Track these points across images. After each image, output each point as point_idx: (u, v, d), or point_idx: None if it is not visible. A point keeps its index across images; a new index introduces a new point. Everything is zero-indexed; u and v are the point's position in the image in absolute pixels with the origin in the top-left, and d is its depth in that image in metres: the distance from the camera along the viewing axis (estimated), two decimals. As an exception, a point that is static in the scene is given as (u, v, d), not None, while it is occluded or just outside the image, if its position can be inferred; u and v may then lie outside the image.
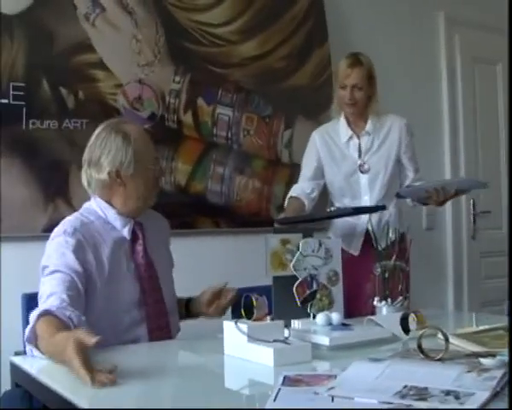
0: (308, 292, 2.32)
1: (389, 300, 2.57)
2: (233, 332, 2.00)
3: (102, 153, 2.29)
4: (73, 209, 3.03)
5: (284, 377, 1.69)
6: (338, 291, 2.41)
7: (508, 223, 4.73)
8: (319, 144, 3.38)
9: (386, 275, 2.59)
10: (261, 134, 3.68)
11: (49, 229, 3.02)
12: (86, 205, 2.43)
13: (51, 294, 2.09)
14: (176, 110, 3.44)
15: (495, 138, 4.85)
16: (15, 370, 2.04)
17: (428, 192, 3.18)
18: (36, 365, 1.98)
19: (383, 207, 3.03)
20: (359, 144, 3.35)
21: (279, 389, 1.59)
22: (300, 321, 2.24)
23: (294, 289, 2.30)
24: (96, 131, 2.35)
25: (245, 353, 1.96)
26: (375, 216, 3.22)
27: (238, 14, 3.65)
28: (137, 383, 1.76)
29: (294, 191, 3.35)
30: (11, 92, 3.03)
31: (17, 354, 2.18)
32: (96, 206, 2.37)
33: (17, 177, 3.05)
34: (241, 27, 3.65)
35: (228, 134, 3.59)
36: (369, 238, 3.06)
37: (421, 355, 1.84)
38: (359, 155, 3.34)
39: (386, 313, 2.52)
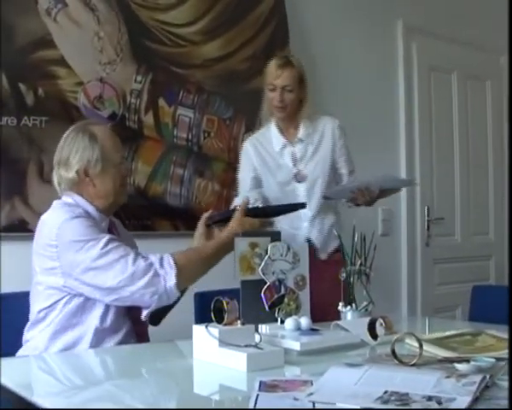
0: (276, 296, 2.29)
1: (354, 305, 2.57)
2: (203, 336, 1.97)
3: (71, 152, 2.37)
4: (31, 209, 2.98)
5: (260, 383, 1.66)
6: (305, 296, 2.40)
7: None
8: (253, 155, 3.29)
9: (351, 280, 2.60)
10: (222, 136, 3.65)
11: (6, 229, 2.96)
12: (59, 202, 2.43)
13: (135, 254, 2.30)
14: (137, 110, 3.38)
15: (449, 145, 4.91)
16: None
17: (353, 192, 3.15)
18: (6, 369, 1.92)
19: (302, 206, 2.91)
20: (293, 152, 3.27)
21: (257, 394, 1.56)
22: (268, 326, 2.22)
23: (262, 293, 2.27)
24: (65, 133, 2.43)
25: (216, 357, 1.93)
26: (316, 225, 3.25)
27: (201, 15, 3.61)
28: (102, 387, 1.71)
29: (237, 203, 3.09)
30: (-32, 87, 2.94)
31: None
32: (75, 202, 2.40)
33: (-28, 174, 2.96)
34: (203, 28, 3.61)
35: (188, 136, 3.55)
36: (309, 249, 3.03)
37: (395, 361, 1.84)
38: (294, 164, 3.27)
39: (351, 318, 2.52)
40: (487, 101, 5.17)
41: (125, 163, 2.51)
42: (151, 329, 2.56)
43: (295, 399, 1.51)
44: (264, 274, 2.28)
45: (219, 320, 1.99)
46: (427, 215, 4.73)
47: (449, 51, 4.85)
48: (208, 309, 2.53)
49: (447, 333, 2.26)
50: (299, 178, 3.25)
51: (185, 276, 2.34)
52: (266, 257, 2.28)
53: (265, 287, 2.27)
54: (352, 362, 1.79)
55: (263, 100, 3.36)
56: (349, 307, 2.56)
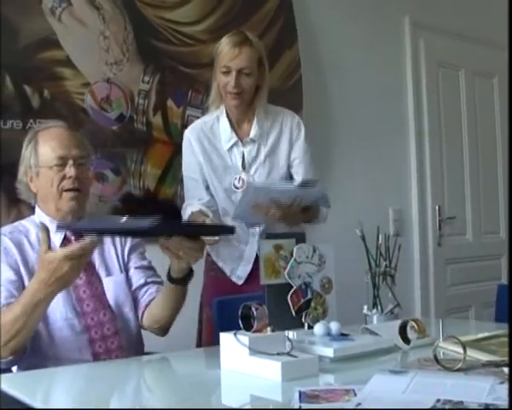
0: (303, 301, 2.19)
1: (379, 308, 2.47)
2: (231, 345, 1.86)
3: (21, 163, 2.33)
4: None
5: (300, 393, 1.56)
6: (332, 299, 2.29)
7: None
8: (198, 151, 2.83)
9: (377, 282, 2.50)
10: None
11: (11, 235, 2.84)
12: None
13: None
14: (145, 111, 3.28)
15: (459, 142, 4.81)
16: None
17: (255, 207, 2.61)
18: (17, 384, 1.81)
19: (230, 231, 2.15)
20: (243, 154, 2.85)
21: (300, 406, 1.46)
22: (296, 332, 2.12)
23: (289, 297, 2.17)
24: None
25: (245, 366, 1.82)
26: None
27: (207, 13, 3.52)
28: (128, 398, 1.61)
29: (193, 205, 2.76)
30: (-29, 90, 2.83)
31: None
32: (36, 215, 2.34)
33: (-24, 180, 2.85)
34: (210, 26, 3.51)
35: (198, 136, 3.44)
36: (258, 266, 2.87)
37: (438, 366, 1.74)
38: (243, 168, 2.84)
39: (377, 322, 2.42)
40: (495, 97, 5.08)
41: (64, 166, 2.24)
42: (157, 339, 2.43)
43: (341, 410, 1.41)
44: (289, 278, 2.17)
45: (247, 327, 1.88)
46: (439, 215, 4.62)
47: (456, 47, 4.76)
48: (228, 316, 2.45)
49: (480, 335, 2.16)
50: (237, 185, 2.83)
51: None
52: (292, 260, 2.18)
53: (292, 291, 2.17)
54: (395, 369, 1.69)
55: (211, 85, 2.90)
56: (375, 311, 2.46)
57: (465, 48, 4.80)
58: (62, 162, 2.23)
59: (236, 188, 2.83)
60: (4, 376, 1.89)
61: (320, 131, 3.91)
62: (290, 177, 2.90)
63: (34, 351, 2.10)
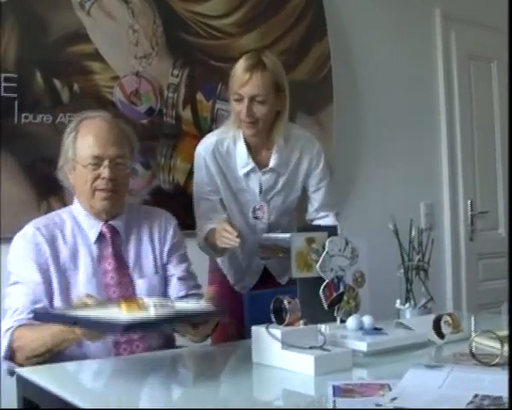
0: (335, 294, 2.16)
1: (412, 302, 2.43)
2: (263, 338, 1.84)
3: (62, 149, 2.28)
4: (67, 208, 2.87)
5: (334, 388, 1.53)
6: (364, 293, 2.26)
7: (508, 223, 4.63)
8: (214, 172, 2.67)
9: (409, 276, 2.46)
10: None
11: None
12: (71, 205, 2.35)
13: (18, 308, 2.09)
14: (174, 105, 3.26)
15: (491, 135, 4.74)
16: (24, 383, 1.85)
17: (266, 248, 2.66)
18: (47, 376, 1.80)
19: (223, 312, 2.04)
20: (261, 182, 2.69)
21: (334, 400, 1.44)
22: (328, 325, 2.09)
23: (321, 291, 2.14)
24: None
25: (278, 360, 1.80)
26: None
27: (236, 7, 3.48)
28: (158, 392, 1.59)
29: (212, 221, 2.61)
30: (2, 84, 2.82)
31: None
32: (73, 205, 2.32)
33: (8, 174, 2.85)
34: (239, 20, 3.48)
35: (227, 131, 3.41)
36: (265, 275, 2.83)
37: (474, 361, 1.71)
38: (260, 193, 2.70)
39: (410, 316, 2.38)
40: (528, 90, 4.99)
41: (98, 167, 2.18)
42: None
43: (377, 405, 1.38)
44: (322, 271, 2.15)
45: (279, 321, 1.86)
46: (471, 209, 4.56)
47: (488, 39, 4.68)
48: (260, 310, 2.42)
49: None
50: (256, 215, 2.72)
51: (16, 354, 2.05)
52: (324, 253, 2.15)
53: (324, 284, 2.15)
54: (430, 364, 1.66)
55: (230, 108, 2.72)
56: (407, 305, 2.42)
57: (497, 40, 4.71)
58: (97, 162, 2.18)
59: (256, 218, 2.72)
60: (31, 368, 1.90)
61: (350, 123, 3.88)
62: (304, 198, 2.82)
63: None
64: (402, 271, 2.45)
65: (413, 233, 2.49)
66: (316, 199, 2.78)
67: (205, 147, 2.70)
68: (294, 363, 1.76)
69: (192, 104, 3.31)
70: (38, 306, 2.08)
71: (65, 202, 2.90)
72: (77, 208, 2.27)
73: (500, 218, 4.77)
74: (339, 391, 1.51)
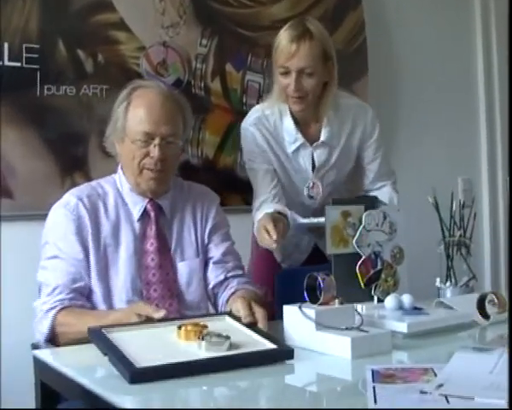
0: (372, 272, 2.04)
1: (454, 280, 2.30)
2: (296, 318, 1.73)
3: (112, 116, 2.15)
4: (93, 185, 2.77)
5: (373, 372, 1.41)
6: (403, 271, 2.14)
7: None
8: (266, 147, 2.52)
9: (450, 252, 2.33)
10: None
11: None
12: (113, 175, 2.22)
13: (58, 286, 1.96)
14: (203, 76, 3.13)
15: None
16: (41, 366, 1.75)
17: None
18: (64, 359, 1.71)
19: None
20: (313, 157, 2.53)
21: (373, 386, 1.31)
22: (365, 305, 1.96)
23: (357, 268, 2.02)
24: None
25: (311, 342, 1.68)
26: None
27: (267, -27, 3.34)
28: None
29: (268, 206, 2.42)
30: (24, 55, 2.72)
31: (35, 346, 1.92)
32: (117, 176, 2.18)
33: (30, 148, 2.74)
34: (270, -13, 3.34)
35: (258, 102, 3.27)
36: (315, 254, 2.67)
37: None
38: (312, 170, 2.54)
39: (451, 295, 2.25)
40: None
41: (148, 144, 2.04)
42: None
43: (422, 392, 1.26)
44: (358, 247, 2.02)
45: (313, 300, 1.74)
46: (510, 186, 4.38)
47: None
48: (290, 288, 2.31)
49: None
50: (311, 193, 2.56)
51: (59, 338, 1.93)
52: (361, 227, 2.03)
53: (361, 261, 2.02)
54: (478, 346, 1.53)
55: (272, 81, 2.56)
56: (448, 283, 2.29)
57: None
58: (147, 139, 2.04)
59: (311, 197, 2.56)
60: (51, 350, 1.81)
61: (385, 95, 3.72)
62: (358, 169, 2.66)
63: None
64: (442, 247, 2.32)
65: (454, 207, 2.35)
66: (371, 170, 2.62)
67: (250, 122, 2.54)
68: (329, 345, 1.64)
69: (221, 75, 3.18)
70: (79, 285, 1.98)
71: (90, 178, 2.82)
72: (121, 180, 2.15)
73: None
74: (378, 376, 1.39)
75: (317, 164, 2.53)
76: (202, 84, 3.13)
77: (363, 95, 3.53)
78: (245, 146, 2.58)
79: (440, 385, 1.28)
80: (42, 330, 1.92)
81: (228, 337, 1.61)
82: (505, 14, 4.27)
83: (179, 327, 1.67)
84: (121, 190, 2.14)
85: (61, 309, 1.91)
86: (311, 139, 2.52)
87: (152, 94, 2.09)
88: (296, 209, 2.48)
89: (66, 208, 2.05)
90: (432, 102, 3.98)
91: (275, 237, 2.15)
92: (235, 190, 3.21)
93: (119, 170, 2.17)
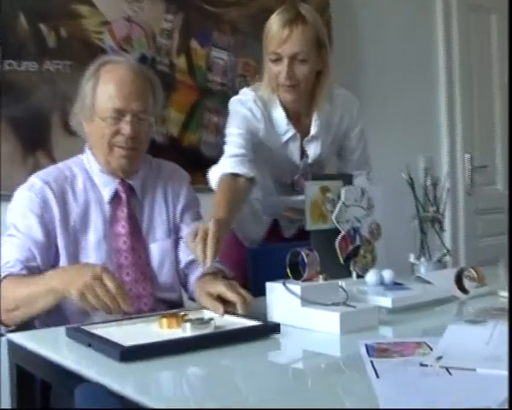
0: (351, 248, 2.02)
1: (428, 255, 2.30)
2: (279, 295, 1.70)
3: (79, 94, 2.04)
4: (55, 163, 2.68)
5: (367, 347, 1.39)
6: (380, 246, 2.12)
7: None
8: (262, 127, 2.36)
9: (424, 228, 2.33)
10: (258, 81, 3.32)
11: (29, 185, 2.67)
12: (80, 155, 2.12)
13: (7, 262, 1.88)
14: (168, 52, 3.07)
15: (489, 89, 4.60)
16: (15, 349, 1.68)
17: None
18: (40, 341, 1.64)
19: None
20: (302, 150, 2.42)
21: (371, 361, 1.29)
22: (345, 281, 1.94)
23: (337, 244, 1.99)
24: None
25: (297, 319, 1.65)
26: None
27: None
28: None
29: (227, 166, 2.27)
30: (-17, 29, 2.63)
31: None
32: (85, 157, 2.09)
33: (-9, 127, 2.66)
34: (235, -38, 3.29)
35: (223, 80, 3.24)
36: (273, 228, 2.61)
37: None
38: (300, 161, 2.44)
39: (425, 271, 2.25)
40: (527, 42, 4.85)
41: (117, 121, 1.95)
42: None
43: (422, 365, 1.24)
44: (338, 222, 2.00)
45: (296, 276, 1.71)
46: (470, 163, 4.42)
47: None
48: (262, 265, 2.28)
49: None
50: (297, 188, 2.46)
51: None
52: (340, 203, 2.00)
53: (340, 237, 2.00)
54: (470, 319, 1.53)
55: (261, 70, 2.40)
56: (423, 259, 2.29)
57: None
58: (118, 116, 1.95)
59: (297, 192, 2.44)
60: (25, 333, 1.74)
61: (349, 72, 3.70)
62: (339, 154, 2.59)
63: (58, 313, 1.88)
64: (416, 222, 2.32)
65: (427, 183, 2.35)
66: (351, 160, 2.55)
67: (247, 97, 2.37)
68: (316, 321, 1.61)
69: (186, 52, 3.12)
70: (32, 264, 1.89)
71: (53, 158, 2.75)
72: (90, 161, 2.06)
73: (498, 173, 4.65)
74: (373, 351, 1.37)
75: (310, 158, 2.43)
76: (167, 61, 3.07)
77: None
78: (230, 121, 2.39)
79: (439, 358, 1.26)
80: None
81: (212, 319, 1.58)
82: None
83: (162, 317, 1.62)
84: (90, 172, 2.05)
85: (6, 276, 1.83)
86: (301, 131, 2.41)
87: (121, 69, 2.00)
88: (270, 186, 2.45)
89: (30, 191, 1.97)
90: (394, 81, 4.00)
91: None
92: (200, 168, 3.12)
93: (87, 150, 2.08)
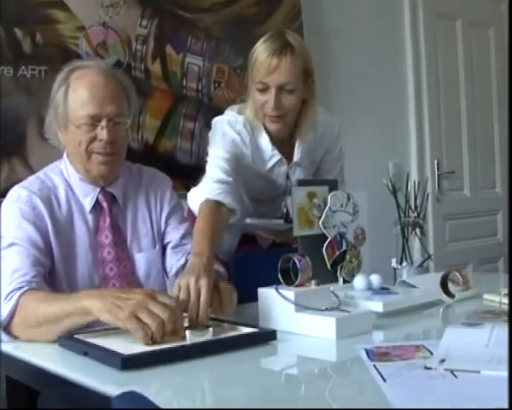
0: (338, 253, 2.02)
1: (410, 260, 2.32)
2: (272, 301, 1.70)
3: (51, 103, 1.98)
4: (31, 170, 2.64)
5: (367, 351, 1.40)
6: (364, 251, 2.13)
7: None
8: (245, 151, 2.32)
9: (406, 233, 2.35)
10: (233, 86, 3.33)
11: (4, 194, 2.61)
12: (57, 162, 2.06)
13: (17, 269, 1.76)
14: (143, 58, 3.05)
15: (456, 95, 4.65)
16: (8, 361, 1.65)
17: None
18: (32, 351, 1.61)
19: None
20: (287, 175, 2.39)
21: (374, 365, 1.30)
22: (332, 286, 1.94)
23: (324, 249, 2.00)
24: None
25: (291, 325, 1.65)
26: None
27: (205, -46, 3.28)
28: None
29: (212, 192, 2.15)
30: (-43, 33, 2.59)
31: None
32: (63, 165, 2.02)
33: (-36, 133, 2.61)
34: (209, -32, 3.29)
35: (198, 86, 3.23)
36: (247, 238, 2.58)
37: (503, 317, 1.60)
38: (285, 188, 2.41)
39: (407, 275, 2.27)
40: (491, 49, 4.93)
41: (94, 127, 1.89)
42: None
43: (426, 368, 1.25)
44: (325, 228, 2.00)
45: (288, 282, 1.71)
46: (437, 169, 4.48)
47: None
48: (246, 273, 2.27)
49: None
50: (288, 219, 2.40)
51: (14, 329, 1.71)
52: (327, 208, 2.01)
53: (327, 242, 2.00)
54: (466, 322, 1.55)
55: (247, 96, 2.34)
56: (405, 264, 2.31)
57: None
58: (93, 122, 1.89)
59: (287, 221, 2.38)
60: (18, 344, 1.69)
61: (320, 78, 3.68)
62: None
63: None
64: (398, 227, 2.34)
65: (409, 188, 2.38)
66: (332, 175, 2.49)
67: (233, 119, 2.32)
68: (312, 327, 1.61)
69: (161, 58, 3.11)
70: (40, 269, 1.81)
71: (29, 165, 2.72)
72: (69, 171, 1.99)
73: (465, 178, 4.71)
74: (373, 355, 1.38)
75: (292, 180, 2.36)
76: (142, 67, 3.06)
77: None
78: (216, 141, 2.30)
79: (442, 360, 1.27)
80: (2, 314, 1.70)
81: (209, 326, 1.58)
82: (430, 2, 4.38)
83: None
84: (70, 181, 1.99)
85: (28, 290, 1.71)
86: (284, 156, 2.37)
87: (92, 74, 1.94)
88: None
89: (18, 201, 1.90)
90: (363, 88, 4.02)
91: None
92: (175, 174, 3.11)
93: (65, 159, 2.01)
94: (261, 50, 2.21)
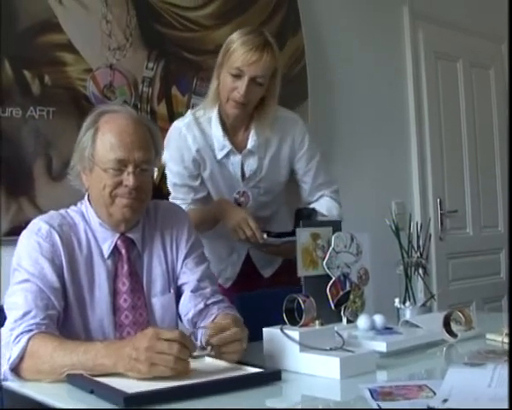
0: (342, 293, 2.05)
1: (413, 300, 2.34)
2: (277, 341, 1.72)
3: (77, 145, 1.96)
4: (39, 210, 2.68)
5: (370, 391, 1.41)
6: (368, 291, 2.16)
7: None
8: (194, 151, 2.53)
9: (409, 273, 2.37)
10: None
11: (12, 232, 2.67)
12: (78, 204, 2.03)
13: (28, 311, 1.75)
14: (149, 99, 3.10)
15: (458, 134, 4.70)
16: (13, 397, 1.67)
17: None
18: (39, 388, 1.63)
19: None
20: (242, 165, 2.55)
21: (378, 404, 1.32)
22: (335, 326, 1.97)
23: (328, 289, 2.02)
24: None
25: (296, 364, 1.67)
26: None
27: (211, -1, 3.35)
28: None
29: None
30: (-32, 75, 2.64)
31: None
32: (85, 208, 1.99)
33: (-28, 172, 2.65)
34: (214, 12, 3.35)
35: (204, 127, 3.27)
36: (247, 268, 2.66)
37: (505, 357, 1.62)
38: (243, 179, 2.56)
39: (410, 315, 2.29)
40: (492, 89, 5.00)
41: (120, 173, 1.88)
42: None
43: (430, 407, 1.27)
44: (328, 268, 2.03)
45: (293, 322, 1.74)
46: (440, 208, 4.51)
47: (454, 38, 4.66)
48: (249, 312, 2.28)
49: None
50: (239, 201, 2.56)
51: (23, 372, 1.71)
52: (331, 249, 2.04)
53: (331, 283, 2.03)
54: (468, 362, 1.56)
55: (212, 81, 2.54)
56: (408, 303, 2.32)
57: (462, 39, 4.71)
58: (120, 166, 1.87)
59: (240, 205, 2.54)
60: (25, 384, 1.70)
61: (324, 120, 3.78)
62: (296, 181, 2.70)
63: None
64: (401, 268, 2.36)
65: (411, 229, 2.41)
66: (306, 182, 2.64)
67: (183, 123, 2.57)
68: (315, 366, 1.63)
69: (167, 99, 3.16)
70: (52, 312, 1.78)
71: (37, 204, 2.75)
72: (89, 213, 1.96)
73: (468, 217, 4.74)
74: (377, 395, 1.39)
75: (246, 173, 2.55)
76: (149, 108, 3.10)
77: (304, 119, 3.55)
78: (171, 147, 2.55)
79: (445, 400, 1.29)
80: (11, 356, 1.69)
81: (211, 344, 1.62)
82: (432, 42, 4.45)
83: None
84: (90, 223, 1.96)
85: (38, 333, 1.70)
86: (238, 147, 2.54)
87: (121, 119, 1.93)
88: None
89: (38, 235, 1.87)
90: (367, 128, 4.08)
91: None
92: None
93: (86, 201, 1.99)
94: (243, 42, 2.40)
